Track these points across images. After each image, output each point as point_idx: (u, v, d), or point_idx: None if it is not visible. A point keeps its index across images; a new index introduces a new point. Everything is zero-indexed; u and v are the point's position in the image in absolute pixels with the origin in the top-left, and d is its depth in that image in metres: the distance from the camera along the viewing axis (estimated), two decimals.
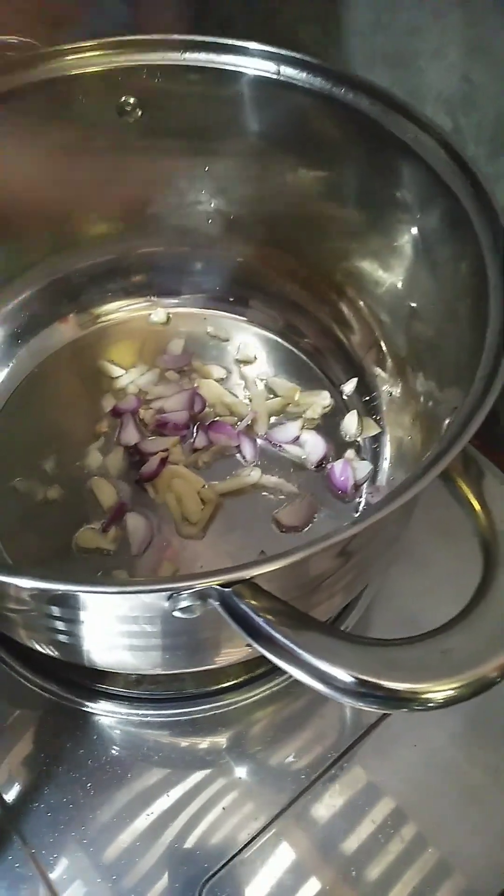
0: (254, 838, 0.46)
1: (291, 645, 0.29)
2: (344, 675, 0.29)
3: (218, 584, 0.29)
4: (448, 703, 0.28)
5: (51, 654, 0.44)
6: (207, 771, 0.48)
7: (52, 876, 0.44)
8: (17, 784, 0.47)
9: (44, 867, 0.44)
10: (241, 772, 0.48)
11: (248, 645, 0.31)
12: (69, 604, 0.34)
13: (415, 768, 0.49)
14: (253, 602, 0.31)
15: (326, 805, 0.47)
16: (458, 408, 0.35)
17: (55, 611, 0.36)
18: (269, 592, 0.31)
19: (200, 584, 0.30)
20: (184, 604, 0.31)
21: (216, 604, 0.31)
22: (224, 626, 0.36)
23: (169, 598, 0.31)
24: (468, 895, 0.45)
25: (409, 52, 0.71)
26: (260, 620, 0.30)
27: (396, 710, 0.30)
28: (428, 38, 0.68)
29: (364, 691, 0.29)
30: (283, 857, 0.46)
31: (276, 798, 0.47)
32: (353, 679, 0.28)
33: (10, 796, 0.47)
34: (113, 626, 0.37)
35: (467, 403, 0.34)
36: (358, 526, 0.30)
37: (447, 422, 0.38)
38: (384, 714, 0.50)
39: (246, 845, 0.46)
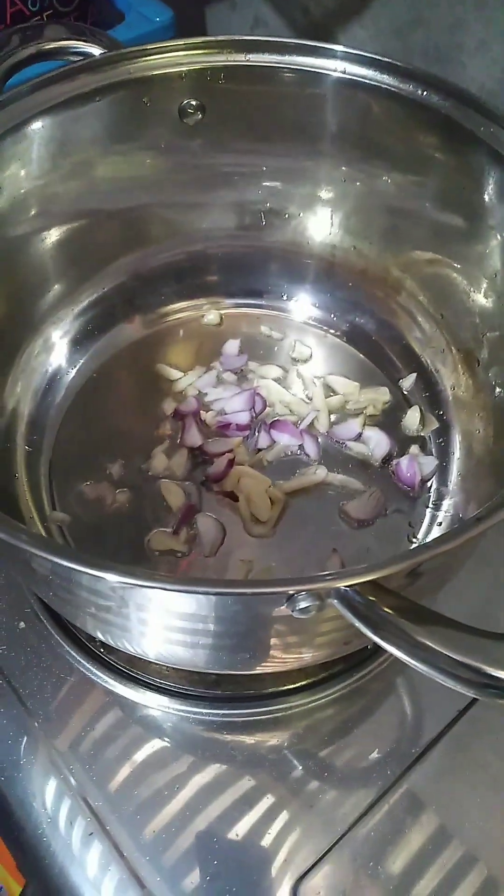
0: (337, 841, 0.46)
1: (421, 639, 0.29)
2: (476, 669, 0.29)
3: (343, 586, 0.29)
4: None
5: (129, 651, 0.44)
6: (286, 770, 0.48)
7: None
8: (100, 785, 0.47)
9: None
10: (315, 772, 0.48)
11: (374, 642, 0.31)
12: (166, 605, 0.34)
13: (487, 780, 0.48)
14: (372, 598, 0.31)
15: (399, 815, 0.47)
16: None
17: (150, 611, 0.36)
18: (390, 590, 0.31)
19: (323, 586, 0.30)
20: (303, 604, 0.31)
21: (335, 601, 0.31)
22: (325, 626, 0.36)
23: (288, 599, 0.31)
24: None
25: (450, 46, 0.71)
26: (387, 616, 0.30)
27: None
28: (471, 32, 0.69)
29: (492, 684, 0.29)
30: (364, 858, 0.45)
31: (356, 800, 0.47)
32: (487, 673, 0.29)
33: (95, 800, 0.47)
34: (208, 627, 0.37)
35: None
36: (484, 523, 0.30)
37: None
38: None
39: (328, 849, 0.46)
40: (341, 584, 0.30)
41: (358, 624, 0.31)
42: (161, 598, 0.32)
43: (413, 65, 0.47)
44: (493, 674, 0.29)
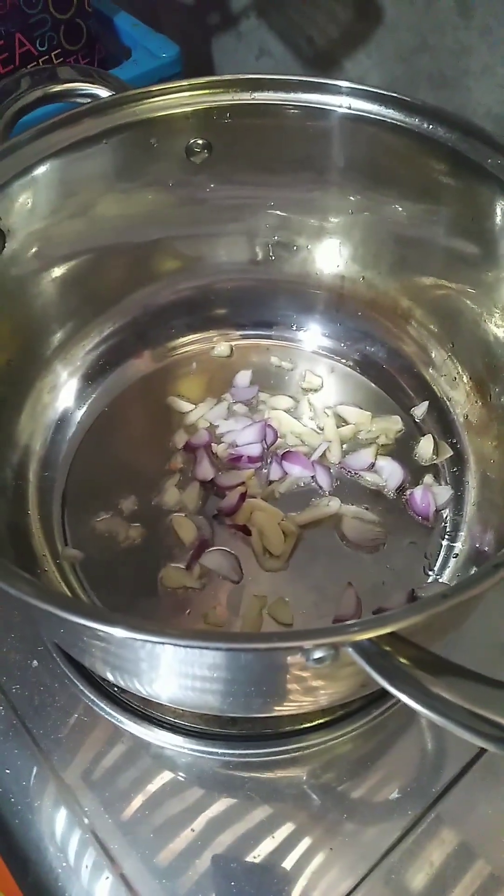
0: (363, 879, 0.45)
1: (437, 691, 0.29)
2: (493, 722, 0.28)
3: (361, 639, 0.29)
4: None
5: (141, 693, 0.43)
6: (301, 810, 0.47)
7: None
8: (116, 824, 0.47)
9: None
10: (337, 810, 0.47)
11: (389, 693, 0.30)
12: (176, 657, 0.34)
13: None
14: (387, 648, 0.30)
15: (425, 852, 0.46)
16: None
17: (160, 661, 0.36)
18: (406, 638, 0.30)
19: (338, 640, 0.29)
20: (318, 654, 0.31)
21: (350, 651, 0.31)
22: (339, 672, 0.36)
23: (302, 652, 0.31)
24: None
25: (456, 71, 0.71)
26: (404, 669, 0.29)
27: None
28: (476, 56, 0.69)
29: None
30: None
31: (378, 839, 0.46)
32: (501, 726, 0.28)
33: (108, 837, 0.47)
34: (221, 675, 0.37)
35: None
36: (500, 572, 0.29)
37: None
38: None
39: (354, 889, 0.45)
40: (357, 638, 0.30)
41: (373, 674, 0.30)
42: (171, 651, 0.32)
43: (418, 98, 0.47)
44: None
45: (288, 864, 0.46)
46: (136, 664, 0.36)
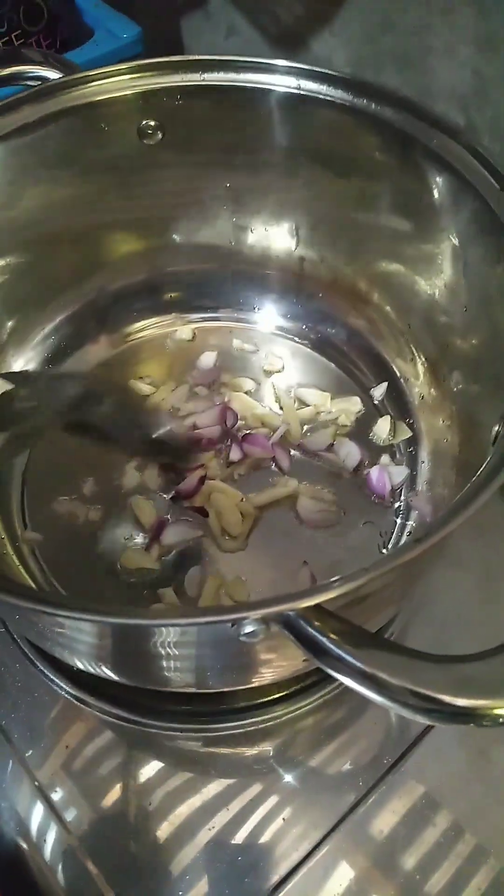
0: (314, 848, 0.47)
1: (359, 664, 0.30)
2: (411, 692, 0.29)
3: (285, 611, 0.30)
4: None
5: (101, 675, 0.44)
6: (263, 782, 0.49)
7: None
8: (76, 805, 0.48)
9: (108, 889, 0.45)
10: (295, 781, 0.49)
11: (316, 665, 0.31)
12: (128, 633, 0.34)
13: (468, 772, 0.49)
14: (317, 623, 0.31)
15: (383, 814, 0.47)
16: None
17: (112, 639, 0.36)
18: (332, 612, 0.31)
19: (265, 612, 0.30)
20: (249, 629, 0.32)
21: (280, 627, 0.32)
22: (282, 646, 0.37)
23: (233, 624, 0.31)
24: None
25: (419, 50, 0.71)
26: (326, 641, 0.30)
27: (466, 724, 0.30)
28: (438, 35, 0.68)
29: (433, 707, 0.29)
30: (343, 869, 0.46)
31: (333, 807, 0.48)
32: (420, 696, 0.29)
33: (69, 815, 0.48)
34: (171, 651, 0.38)
35: None
36: (421, 545, 0.30)
37: (496, 429, 0.38)
38: None
39: (308, 854, 0.46)
40: (282, 609, 0.30)
41: (299, 647, 0.31)
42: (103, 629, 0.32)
43: (365, 78, 0.47)
44: (431, 695, 0.29)
45: (242, 834, 0.47)
46: (74, 640, 0.37)
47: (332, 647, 0.30)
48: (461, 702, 0.29)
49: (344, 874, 0.46)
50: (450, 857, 0.46)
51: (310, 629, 0.30)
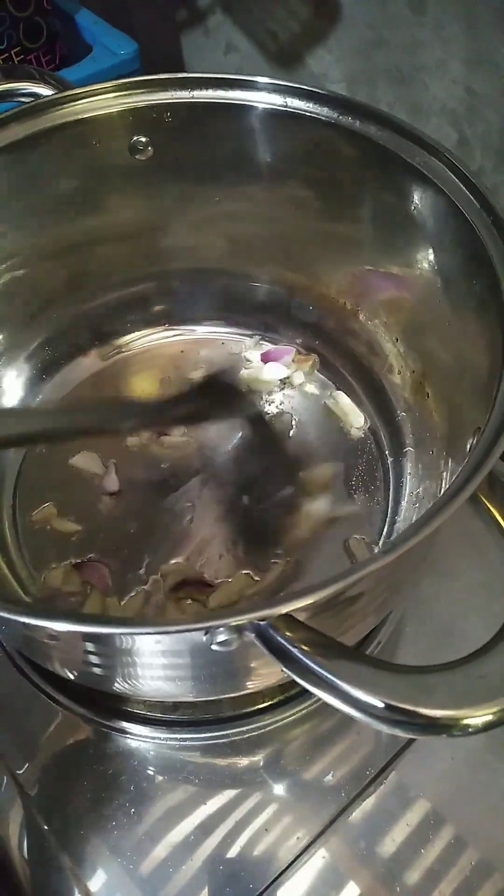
0: (298, 856, 0.47)
1: (327, 675, 0.30)
2: (379, 703, 0.29)
3: (254, 619, 0.30)
4: (487, 727, 0.29)
5: (85, 684, 0.44)
6: (248, 791, 0.49)
7: None
8: (60, 811, 0.48)
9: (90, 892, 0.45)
10: (280, 791, 0.49)
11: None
12: (104, 641, 0.35)
13: (455, 779, 0.49)
14: (288, 633, 0.31)
15: (372, 822, 0.47)
16: (481, 429, 0.36)
17: (90, 646, 0.37)
18: (303, 623, 0.32)
19: (237, 621, 0.30)
20: (221, 638, 0.32)
21: (252, 636, 0.32)
22: (260, 655, 0.37)
23: (206, 633, 0.32)
24: None
25: (411, 67, 0.71)
26: (296, 651, 0.30)
27: (436, 735, 0.30)
28: (430, 52, 0.69)
29: (401, 719, 0.29)
30: (328, 874, 0.46)
31: (317, 815, 0.48)
32: (389, 707, 0.29)
33: (54, 824, 0.48)
34: (147, 659, 0.38)
35: (490, 426, 0.34)
36: (389, 555, 0.30)
37: (471, 442, 0.38)
38: None
39: (290, 864, 0.47)
40: (252, 618, 0.31)
41: (269, 655, 0.31)
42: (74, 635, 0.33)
43: (349, 97, 0.48)
44: (399, 706, 0.29)
45: (226, 843, 0.47)
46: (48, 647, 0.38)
47: (300, 657, 0.30)
48: (430, 712, 0.29)
49: (332, 882, 0.46)
50: (448, 869, 0.46)
51: (279, 638, 0.31)
